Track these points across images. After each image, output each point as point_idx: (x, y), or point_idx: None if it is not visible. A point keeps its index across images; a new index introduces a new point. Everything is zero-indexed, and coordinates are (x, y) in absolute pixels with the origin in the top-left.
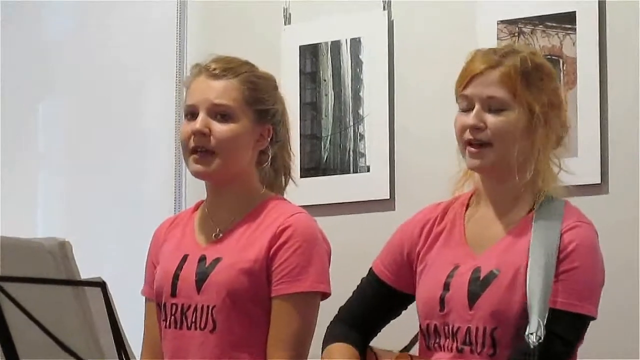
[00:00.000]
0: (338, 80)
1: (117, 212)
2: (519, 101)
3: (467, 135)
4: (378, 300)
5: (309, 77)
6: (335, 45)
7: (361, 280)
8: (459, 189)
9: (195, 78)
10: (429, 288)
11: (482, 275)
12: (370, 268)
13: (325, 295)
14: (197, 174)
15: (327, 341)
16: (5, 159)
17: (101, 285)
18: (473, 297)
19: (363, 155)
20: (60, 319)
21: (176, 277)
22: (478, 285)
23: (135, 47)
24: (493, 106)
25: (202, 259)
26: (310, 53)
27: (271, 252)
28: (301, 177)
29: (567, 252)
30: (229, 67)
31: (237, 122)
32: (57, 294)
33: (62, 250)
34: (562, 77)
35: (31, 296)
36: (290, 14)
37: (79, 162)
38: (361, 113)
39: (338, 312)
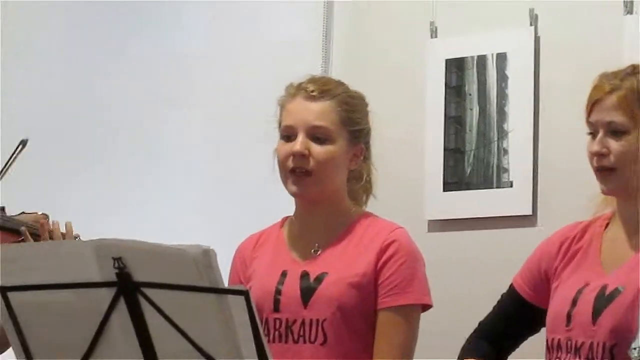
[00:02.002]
0: (483, 95)
1: (254, 221)
2: (637, 123)
3: (594, 162)
4: (516, 315)
5: (454, 90)
6: (481, 60)
7: (501, 295)
8: (600, 210)
9: (291, 99)
10: (559, 303)
11: (607, 292)
12: (511, 283)
13: (425, 307)
14: (295, 195)
15: (460, 355)
16: (147, 167)
17: (244, 293)
18: (597, 313)
19: (506, 170)
20: (202, 326)
21: (278, 292)
22: (602, 302)
23: (279, 59)
24: (614, 131)
25: (305, 274)
26: (455, 67)
27: (378, 265)
28: (444, 190)
29: None
30: (326, 89)
31: (335, 143)
32: (199, 302)
33: (205, 258)
34: None
35: (174, 303)
36: (436, 28)
37: (220, 170)
38: (505, 128)
39: (477, 325)
